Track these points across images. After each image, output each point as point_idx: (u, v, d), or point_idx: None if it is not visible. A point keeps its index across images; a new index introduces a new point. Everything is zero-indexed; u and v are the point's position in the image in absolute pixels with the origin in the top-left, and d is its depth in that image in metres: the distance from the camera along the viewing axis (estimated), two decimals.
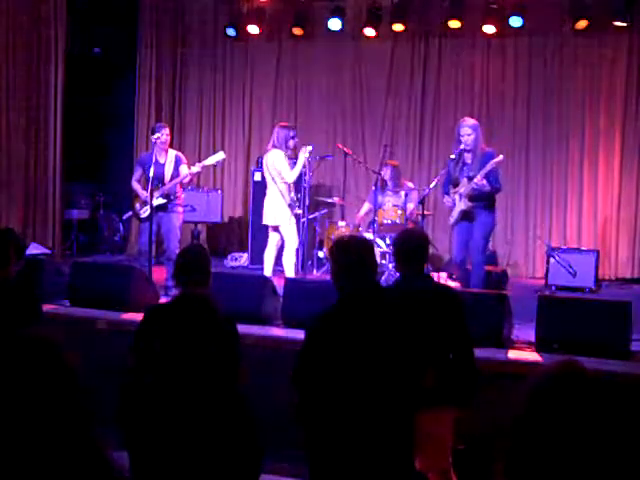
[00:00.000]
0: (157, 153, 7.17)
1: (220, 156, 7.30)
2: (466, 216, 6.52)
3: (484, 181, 6.34)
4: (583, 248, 8.92)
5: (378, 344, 2.92)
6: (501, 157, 6.46)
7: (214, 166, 7.92)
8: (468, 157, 6.54)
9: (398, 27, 9.77)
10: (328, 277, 7.12)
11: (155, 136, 7.17)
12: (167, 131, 7.31)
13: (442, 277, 7.52)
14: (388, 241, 7.60)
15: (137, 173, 7.44)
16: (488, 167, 6.34)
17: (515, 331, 5.49)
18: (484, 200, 6.49)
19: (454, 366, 3.55)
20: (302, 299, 5.63)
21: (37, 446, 1.40)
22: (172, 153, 7.34)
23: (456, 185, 6.56)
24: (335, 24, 9.83)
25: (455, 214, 6.57)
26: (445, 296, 3.75)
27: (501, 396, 4.30)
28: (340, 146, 8.00)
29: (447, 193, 6.67)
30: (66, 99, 9.73)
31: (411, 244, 3.75)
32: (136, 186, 7.37)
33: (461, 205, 6.48)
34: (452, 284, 6.73)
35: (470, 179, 6.43)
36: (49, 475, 1.39)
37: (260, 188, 9.54)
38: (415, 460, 3.19)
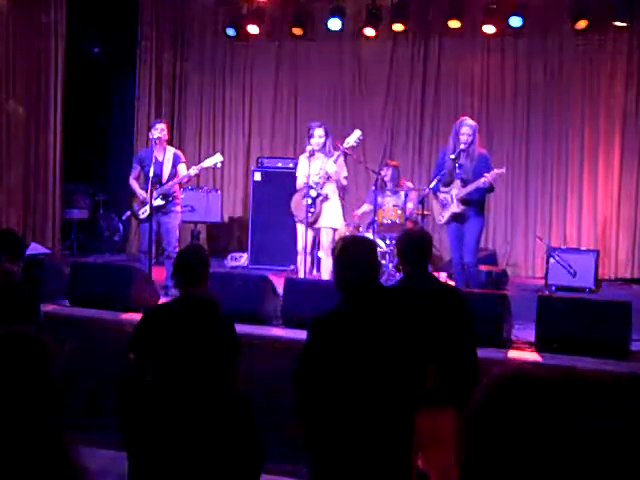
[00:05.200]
0: (156, 151, 7.17)
1: (217, 158, 7.30)
2: (456, 217, 6.60)
3: (484, 179, 6.37)
4: (583, 248, 8.93)
5: (381, 344, 2.92)
6: (504, 170, 6.59)
7: (213, 168, 7.90)
8: (462, 158, 6.57)
9: (398, 27, 9.76)
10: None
11: (151, 134, 7.21)
12: (162, 126, 7.24)
13: (442, 277, 7.52)
14: (388, 241, 7.60)
15: (135, 171, 7.43)
16: (490, 178, 6.38)
17: (515, 331, 5.49)
18: (476, 205, 6.58)
19: (457, 365, 3.55)
20: (302, 299, 5.64)
21: (3, 441, 1.41)
22: (170, 151, 7.34)
23: (447, 184, 6.61)
24: (335, 24, 9.82)
25: (446, 215, 6.62)
26: (449, 295, 3.76)
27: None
28: (340, 146, 7.98)
29: (436, 191, 6.69)
30: (66, 99, 9.73)
31: (415, 244, 3.75)
32: (134, 185, 7.36)
33: (454, 208, 6.54)
34: (452, 284, 6.74)
35: (464, 182, 6.49)
36: (10, 472, 1.40)
37: (260, 188, 9.59)
38: (418, 459, 3.19)
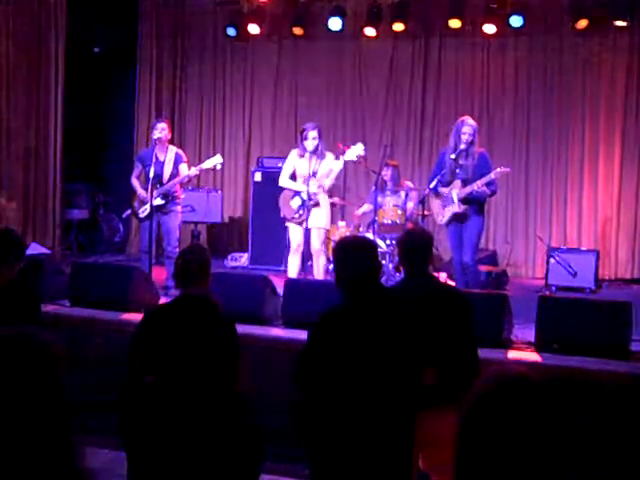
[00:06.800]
0: (157, 150, 7.17)
1: (217, 160, 7.30)
2: (457, 217, 6.62)
3: (485, 187, 6.45)
4: (583, 248, 8.93)
5: (382, 344, 2.92)
6: (508, 169, 6.67)
7: (212, 169, 7.88)
8: (462, 158, 6.59)
9: (398, 27, 9.77)
10: (329, 277, 7.13)
11: (153, 134, 7.22)
12: (163, 126, 7.21)
13: (442, 277, 7.52)
14: (388, 241, 7.60)
15: (137, 170, 7.43)
16: (493, 176, 6.44)
17: (515, 331, 5.49)
18: (476, 203, 6.62)
19: (457, 365, 3.56)
20: (302, 299, 5.64)
21: (8, 443, 1.41)
22: (172, 151, 7.33)
23: (447, 184, 6.64)
24: (335, 24, 9.82)
25: (447, 215, 6.64)
26: (450, 296, 3.76)
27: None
28: (340, 146, 7.98)
29: (435, 190, 6.71)
30: (66, 99, 9.73)
31: (415, 244, 3.76)
32: (135, 183, 7.36)
33: (455, 208, 6.55)
34: (452, 284, 6.75)
35: (465, 182, 6.52)
36: (18, 473, 1.40)
37: (260, 188, 9.58)
38: (419, 459, 3.19)
